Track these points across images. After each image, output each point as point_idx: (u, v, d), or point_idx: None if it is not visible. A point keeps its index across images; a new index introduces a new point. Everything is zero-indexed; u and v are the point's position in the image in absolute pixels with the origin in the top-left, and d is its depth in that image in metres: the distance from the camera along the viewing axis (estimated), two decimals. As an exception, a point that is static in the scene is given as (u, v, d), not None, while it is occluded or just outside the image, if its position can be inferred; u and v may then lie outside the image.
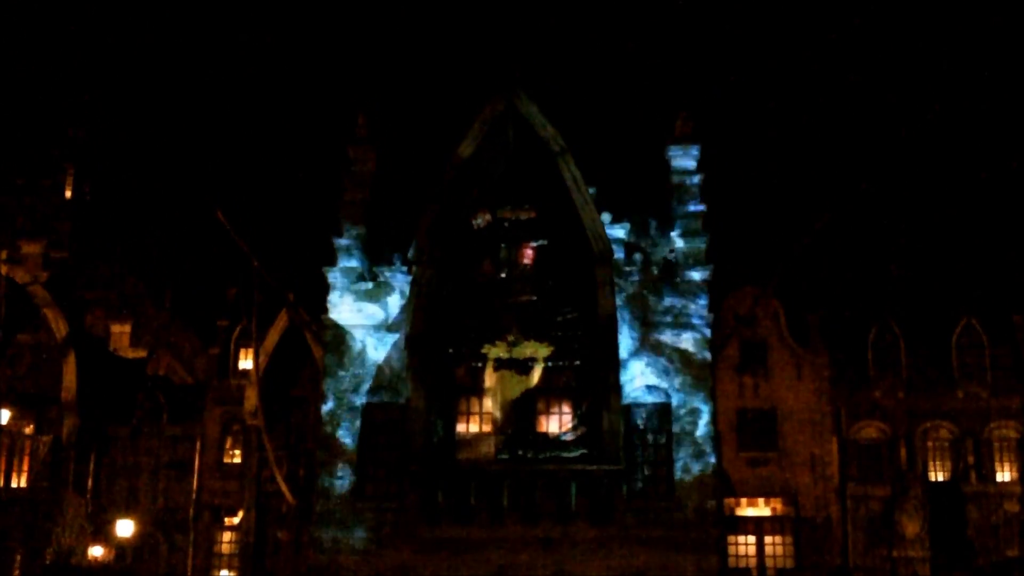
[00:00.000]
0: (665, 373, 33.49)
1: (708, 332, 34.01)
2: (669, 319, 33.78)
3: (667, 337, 33.67)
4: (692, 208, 34.47)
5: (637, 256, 34.55)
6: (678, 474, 32.85)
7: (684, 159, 34.94)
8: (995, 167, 58.55)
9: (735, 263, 39.27)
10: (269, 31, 74.18)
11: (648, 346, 33.66)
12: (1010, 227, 49.28)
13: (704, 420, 33.14)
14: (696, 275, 33.93)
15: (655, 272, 34.11)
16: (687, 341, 33.69)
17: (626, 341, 33.48)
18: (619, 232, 34.51)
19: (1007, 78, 66.56)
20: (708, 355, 33.91)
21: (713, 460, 33.07)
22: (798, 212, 52.08)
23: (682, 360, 33.55)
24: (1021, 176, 53.42)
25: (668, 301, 33.90)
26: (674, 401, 33.33)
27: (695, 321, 33.78)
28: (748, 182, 55.52)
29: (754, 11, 70.23)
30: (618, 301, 33.43)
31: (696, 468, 32.82)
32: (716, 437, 33.54)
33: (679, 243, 34.07)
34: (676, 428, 33.13)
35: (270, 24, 74.29)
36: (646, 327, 33.76)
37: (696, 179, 34.73)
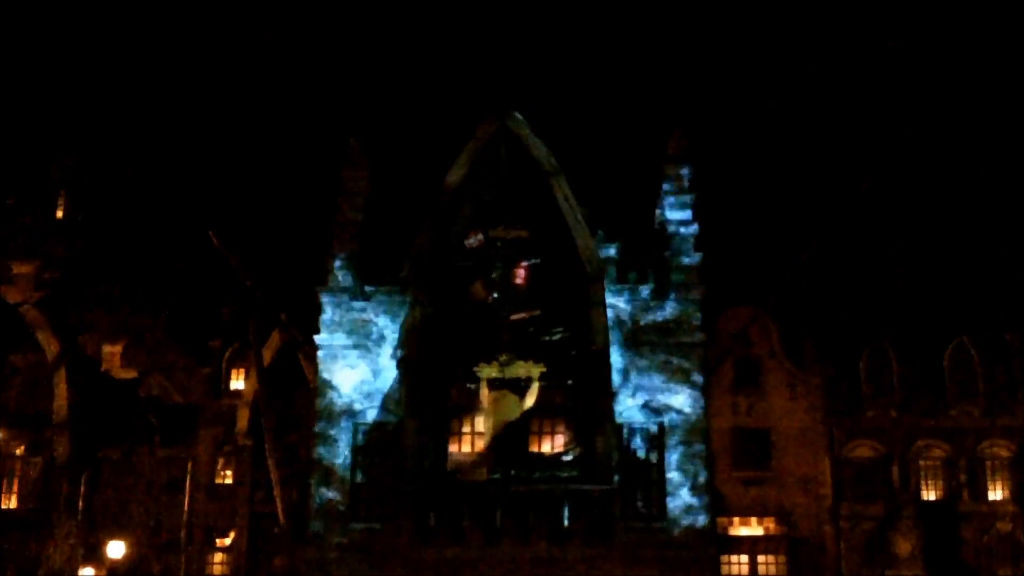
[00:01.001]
0: (659, 392, 33.43)
1: (702, 352, 33.98)
2: (663, 339, 33.75)
3: (661, 357, 33.64)
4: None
5: (631, 275, 34.54)
6: (671, 493, 32.76)
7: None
8: (987, 187, 58.73)
9: (729, 282, 39.30)
10: (263, 50, 74.24)
11: (641, 365, 33.63)
12: (1002, 247, 49.40)
13: (697, 439, 33.08)
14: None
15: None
16: (681, 361, 33.66)
17: (619, 360, 33.45)
18: (611, 251, 34.52)
19: (1000, 97, 66.84)
20: (702, 375, 33.88)
21: (707, 479, 33.02)
22: (792, 231, 52.14)
23: (676, 380, 33.50)
24: (1012, 196, 53.59)
25: (662, 321, 33.87)
26: (667, 420, 33.26)
27: (689, 342, 33.75)
28: (742, 200, 55.61)
29: (749, 22, 70.52)
30: (611, 320, 33.42)
31: (690, 488, 32.75)
32: (710, 456, 33.48)
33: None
34: (669, 447, 33.06)
35: (264, 43, 74.33)
36: (640, 346, 33.73)
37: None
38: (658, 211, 35.45)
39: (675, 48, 71.04)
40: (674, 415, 33.04)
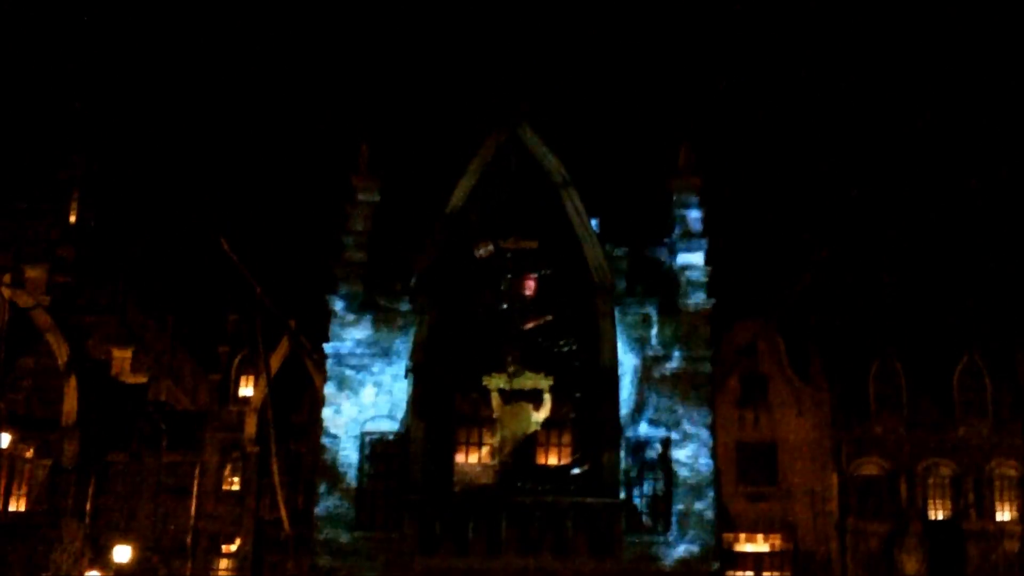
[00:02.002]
0: (665, 406, 33.43)
1: (709, 366, 33.96)
2: (670, 352, 33.74)
3: (668, 370, 33.63)
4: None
5: (639, 287, 34.56)
6: (677, 508, 32.74)
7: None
8: (1001, 203, 58.65)
9: (736, 295, 39.24)
10: (275, 59, 74.54)
11: (649, 378, 33.62)
12: (1014, 264, 49.28)
13: (704, 453, 33.06)
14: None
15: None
16: (688, 374, 33.64)
17: (627, 373, 33.45)
18: (622, 262, 34.53)
19: (1004, 110, 66.82)
20: (709, 388, 33.87)
21: (712, 494, 32.97)
22: (800, 244, 52.13)
23: (682, 393, 33.49)
24: (1024, 214, 53.49)
25: (670, 333, 33.87)
26: (674, 434, 33.25)
27: (696, 355, 33.74)
28: (749, 213, 55.62)
29: (760, 39, 70.56)
30: (619, 332, 33.44)
31: (695, 502, 32.71)
32: (715, 471, 33.44)
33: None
34: (676, 461, 33.04)
35: (276, 52, 74.62)
36: (647, 359, 33.73)
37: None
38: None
39: (684, 61, 71.13)
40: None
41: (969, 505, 39.18)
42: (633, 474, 33.02)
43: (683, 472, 32.91)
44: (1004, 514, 39.44)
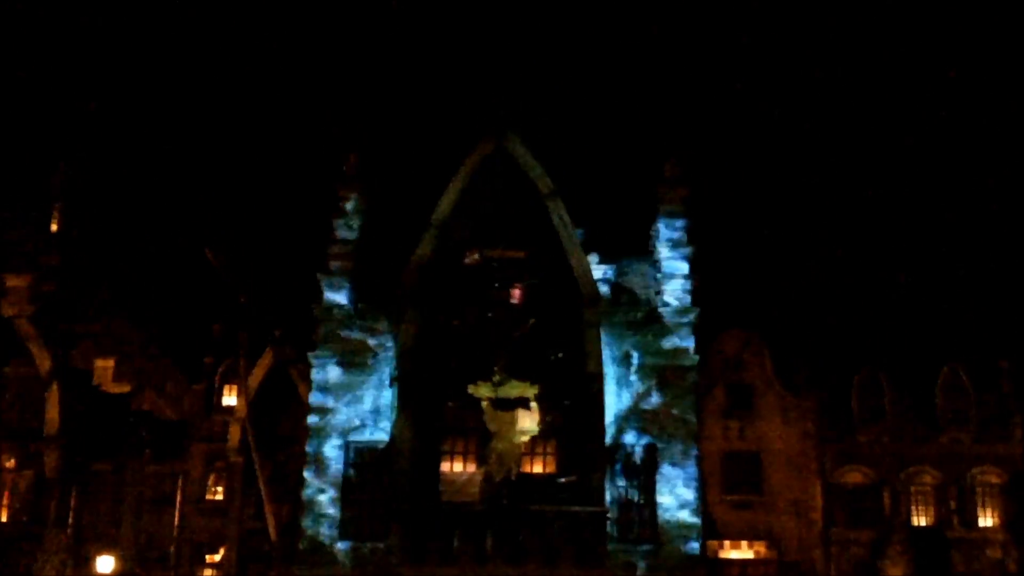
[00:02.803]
0: (651, 415, 33.49)
1: (695, 376, 34.04)
2: (656, 362, 33.82)
3: (654, 380, 33.70)
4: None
5: (625, 297, 34.67)
6: (662, 516, 32.79)
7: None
8: (981, 215, 59.07)
9: (723, 306, 39.40)
10: (262, 70, 74.53)
11: (634, 388, 33.69)
12: (995, 275, 49.61)
13: (689, 463, 33.12)
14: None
15: (642, 322, 34.10)
16: (673, 385, 33.71)
17: (613, 382, 33.51)
18: (607, 272, 34.65)
19: (992, 124, 67.25)
20: (694, 398, 33.94)
21: (697, 503, 33.02)
22: (787, 256, 52.36)
23: (668, 403, 33.56)
24: (1006, 225, 53.86)
25: (655, 343, 33.96)
26: (659, 443, 33.32)
27: (681, 366, 33.82)
28: (737, 224, 55.84)
29: (747, 48, 70.91)
30: (605, 342, 33.50)
31: (680, 511, 32.77)
32: (701, 480, 33.51)
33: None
34: (661, 470, 33.10)
35: (263, 63, 74.63)
36: (633, 369, 33.80)
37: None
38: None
39: (672, 72, 71.38)
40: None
41: (952, 513, 39.39)
42: (619, 483, 33.06)
43: (668, 481, 32.97)
44: (987, 521, 39.67)
